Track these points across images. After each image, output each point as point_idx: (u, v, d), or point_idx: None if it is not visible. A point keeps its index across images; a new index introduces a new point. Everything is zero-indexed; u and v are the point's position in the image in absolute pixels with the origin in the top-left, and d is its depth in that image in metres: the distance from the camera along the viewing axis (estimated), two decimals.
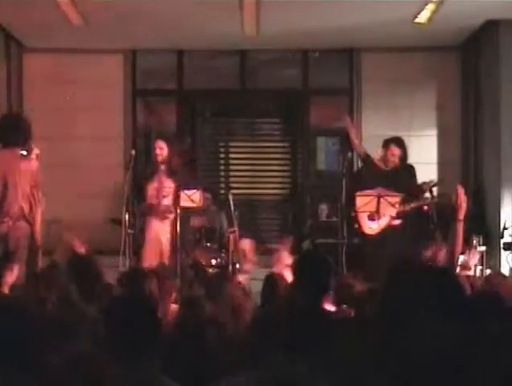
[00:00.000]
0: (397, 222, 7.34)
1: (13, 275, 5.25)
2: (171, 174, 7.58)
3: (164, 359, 3.02)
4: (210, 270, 7.85)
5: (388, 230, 7.34)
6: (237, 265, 7.90)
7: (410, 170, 7.63)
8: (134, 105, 10.32)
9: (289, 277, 4.85)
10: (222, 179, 10.93)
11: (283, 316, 3.04)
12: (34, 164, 6.25)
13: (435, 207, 7.14)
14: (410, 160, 7.73)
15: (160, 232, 7.56)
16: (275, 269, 5.65)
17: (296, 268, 4.25)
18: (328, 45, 9.99)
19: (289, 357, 2.83)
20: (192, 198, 7.43)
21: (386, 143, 7.59)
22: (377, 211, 7.18)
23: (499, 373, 3.05)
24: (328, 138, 10.75)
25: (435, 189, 7.53)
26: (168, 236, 7.52)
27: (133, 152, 7.82)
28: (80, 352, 3.20)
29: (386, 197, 7.13)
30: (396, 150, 7.52)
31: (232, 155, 10.95)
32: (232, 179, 10.72)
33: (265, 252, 8.26)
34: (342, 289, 4.61)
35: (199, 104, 10.90)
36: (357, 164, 8.77)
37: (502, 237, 8.56)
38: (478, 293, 4.44)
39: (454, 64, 10.00)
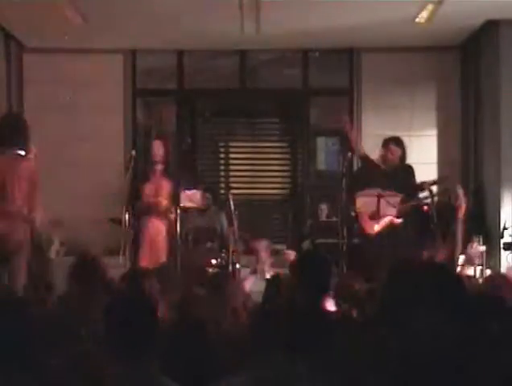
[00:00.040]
0: (397, 222, 7.35)
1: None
2: (168, 174, 7.58)
3: (164, 358, 3.02)
4: (210, 270, 7.86)
5: (388, 230, 7.35)
6: (237, 265, 7.89)
7: (409, 170, 7.63)
8: (134, 105, 10.30)
9: None
10: (222, 179, 10.90)
11: (283, 316, 3.04)
12: (32, 164, 6.24)
13: (435, 206, 7.14)
14: (410, 160, 7.74)
15: (157, 231, 7.55)
16: None
17: (296, 269, 4.25)
18: (328, 45, 9.98)
19: (289, 357, 2.83)
20: (192, 198, 7.43)
21: (386, 143, 7.61)
22: (378, 211, 7.19)
23: (499, 373, 3.05)
24: (328, 138, 10.74)
25: (434, 187, 7.53)
26: (165, 235, 7.52)
27: (133, 152, 7.81)
28: (80, 352, 3.20)
29: (386, 197, 7.15)
30: (395, 150, 7.53)
31: (232, 155, 10.93)
32: (232, 179, 10.70)
33: None
34: (342, 289, 4.61)
35: (199, 104, 10.87)
36: (357, 164, 8.76)
37: (502, 237, 8.55)
38: (478, 293, 4.44)
39: (454, 64, 9.98)
